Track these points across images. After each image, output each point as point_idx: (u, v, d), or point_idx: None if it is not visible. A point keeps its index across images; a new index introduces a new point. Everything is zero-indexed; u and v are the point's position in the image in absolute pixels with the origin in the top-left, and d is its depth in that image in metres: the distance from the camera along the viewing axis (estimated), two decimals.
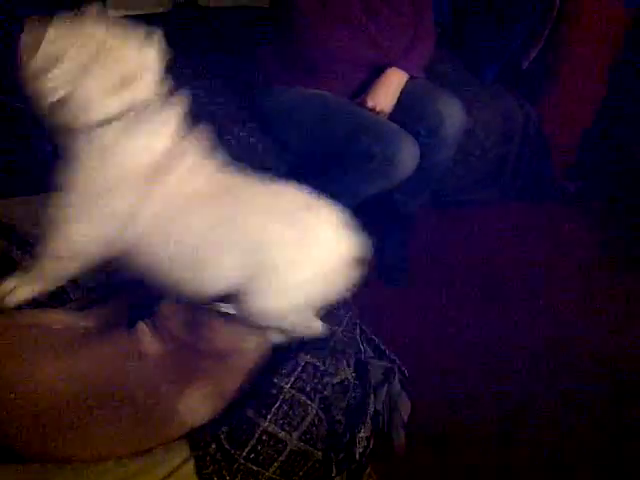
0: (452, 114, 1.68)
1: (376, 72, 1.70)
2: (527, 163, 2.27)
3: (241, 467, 1.06)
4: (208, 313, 1.15)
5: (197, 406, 1.10)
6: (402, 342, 1.59)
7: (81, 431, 1.06)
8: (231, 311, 1.15)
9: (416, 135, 1.64)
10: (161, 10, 2.15)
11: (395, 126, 1.60)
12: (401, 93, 1.70)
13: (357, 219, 1.87)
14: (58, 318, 1.21)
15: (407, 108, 1.70)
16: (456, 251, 2.05)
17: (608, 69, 2.20)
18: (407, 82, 1.71)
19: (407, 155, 1.56)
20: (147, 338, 1.14)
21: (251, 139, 1.82)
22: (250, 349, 1.17)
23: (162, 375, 1.10)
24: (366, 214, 1.86)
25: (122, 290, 1.37)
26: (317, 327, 1.19)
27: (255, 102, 1.81)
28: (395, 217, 1.92)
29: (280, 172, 1.84)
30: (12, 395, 1.06)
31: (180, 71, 1.85)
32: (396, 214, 1.91)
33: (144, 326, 1.17)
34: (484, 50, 2.16)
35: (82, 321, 1.23)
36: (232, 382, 1.14)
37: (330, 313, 1.27)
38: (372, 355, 1.47)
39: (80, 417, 1.06)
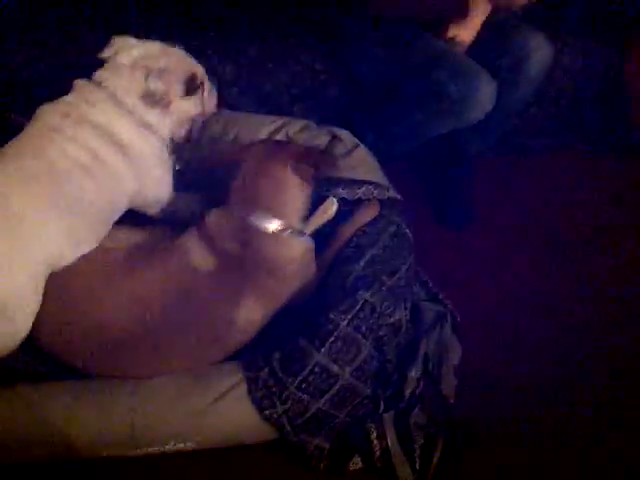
0: (538, 49, 1.56)
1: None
2: (603, 109, 2.14)
3: (291, 395, 1.08)
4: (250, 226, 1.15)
5: (253, 315, 1.13)
6: (456, 287, 1.58)
7: (142, 349, 1.09)
8: (273, 227, 1.15)
9: (496, 70, 1.55)
10: None
11: (473, 63, 1.50)
12: (483, 25, 1.59)
13: (416, 156, 1.86)
14: (113, 236, 1.23)
15: (489, 41, 1.60)
16: (521, 198, 1.97)
17: None
18: (490, 14, 1.60)
19: (483, 96, 1.47)
20: (196, 252, 1.15)
21: (316, 65, 1.76)
22: (296, 256, 1.18)
23: (217, 288, 1.12)
24: (425, 152, 1.84)
25: None
26: None
27: (332, 22, 1.71)
28: (457, 157, 1.85)
29: (342, 103, 1.78)
30: (78, 314, 1.10)
31: None
32: (458, 153, 1.83)
33: (190, 239, 1.17)
34: None
35: (134, 237, 1.25)
36: (282, 290, 1.16)
37: (395, 252, 1.26)
38: (425, 298, 1.47)
39: (143, 334, 1.09)
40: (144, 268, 1.14)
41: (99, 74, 1.23)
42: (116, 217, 1.24)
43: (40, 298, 1.10)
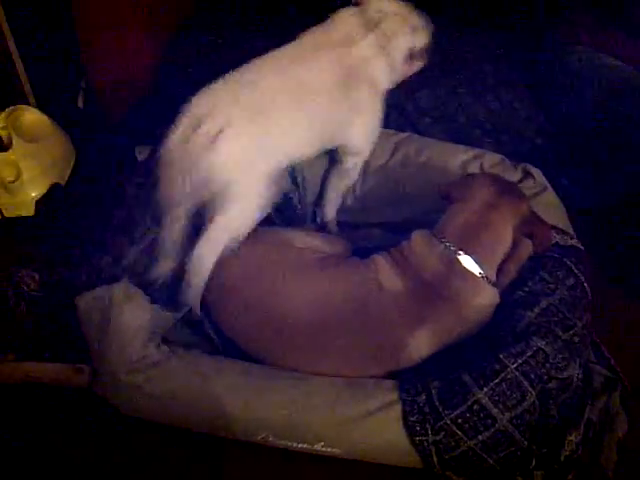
0: None
1: None
2: None
3: (445, 426, 1.07)
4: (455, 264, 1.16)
5: (423, 346, 1.13)
6: (628, 357, 1.46)
7: (313, 347, 1.15)
8: (476, 270, 1.15)
9: None
10: None
11: None
12: None
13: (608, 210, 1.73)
14: (304, 239, 1.31)
15: None
16: None
17: None
18: None
19: None
20: (385, 271, 1.19)
21: (515, 104, 1.73)
22: (484, 305, 1.17)
23: (399, 309, 1.14)
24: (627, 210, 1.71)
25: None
26: None
27: (542, 59, 1.66)
28: None
29: (537, 144, 1.73)
30: (261, 301, 1.17)
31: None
32: None
33: (381, 259, 1.21)
34: None
35: (321, 244, 1.32)
36: (460, 331, 1.15)
37: (572, 305, 1.20)
38: (595, 361, 1.37)
39: (315, 333, 1.14)
40: (335, 272, 1.20)
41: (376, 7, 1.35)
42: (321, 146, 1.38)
43: (266, 201, 1.24)
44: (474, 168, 1.53)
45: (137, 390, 1.15)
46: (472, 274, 1.14)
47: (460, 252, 1.15)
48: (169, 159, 1.21)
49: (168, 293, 1.29)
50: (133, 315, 1.19)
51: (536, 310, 1.20)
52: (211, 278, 1.25)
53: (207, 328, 1.27)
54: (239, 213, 1.22)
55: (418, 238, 1.20)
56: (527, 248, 1.26)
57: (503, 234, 1.16)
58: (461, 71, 1.77)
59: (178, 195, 1.21)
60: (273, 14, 1.88)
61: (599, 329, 1.39)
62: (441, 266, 1.15)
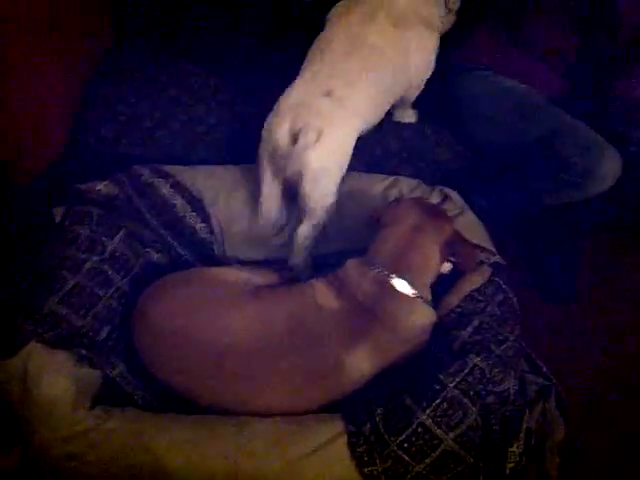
0: None
1: None
2: None
3: (392, 454, 1.06)
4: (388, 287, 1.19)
5: (363, 366, 1.14)
6: (558, 362, 1.52)
7: (255, 378, 1.13)
8: (409, 291, 1.19)
9: (626, 143, 1.53)
10: None
11: (599, 137, 1.47)
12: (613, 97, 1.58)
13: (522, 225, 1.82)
14: (235, 274, 1.30)
15: (619, 111, 1.58)
16: (630, 277, 1.90)
17: None
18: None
19: (608, 170, 1.44)
20: (322, 292, 1.21)
21: (426, 129, 1.80)
22: (421, 324, 1.21)
23: (336, 328, 1.16)
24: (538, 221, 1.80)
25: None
26: None
27: (445, 86, 1.74)
28: (570, 229, 1.80)
29: (452, 167, 1.80)
30: (198, 340, 1.15)
31: None
32: (572, 225, 1.79)
33: (318, 282, 1.24)
34: None
35: (255, 278, 1.31)
36: (399, 350, 1.17)
37: (503, 320, 1.24)
38: (528, 370, 1.42)
39: (258, 365, 1.13)
40: (271, 297, 1.21)
41: None
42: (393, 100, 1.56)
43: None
44: (394, 194, 1.56)
45: (73, 461, 1.09)
46: (405, 295, 1.18)
47: (392, 275, 1.19)
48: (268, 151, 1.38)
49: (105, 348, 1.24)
50: (53, 383, 1.12)
51: (469, 329, 1.23)
52: (142, 325, 1.22)
53: None
54: (330, 193, 1.41)
55: (351, 265, 1.23)
56: (472, 282, 1.32)
57: (431, 254, 1.22)
58: None
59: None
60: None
61: (525, 335, 1.46)
62: (374, 289, 1.18)
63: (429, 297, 1.23)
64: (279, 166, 1.39)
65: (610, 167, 1.45)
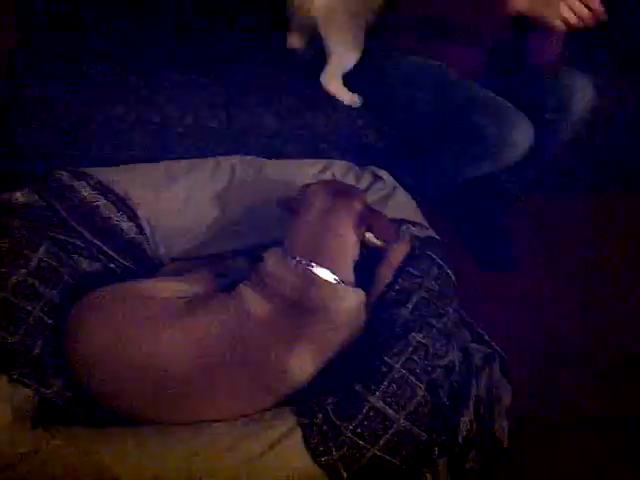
0: (582, 88, 1.58)
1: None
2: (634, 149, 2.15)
3: (347, 440, 1.07)
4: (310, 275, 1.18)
5: (306, 363, 1.13)
6: (499, 328, 1.56)
7: (199, 394, 1.10)
8: (330, 278, 1.18)
9: (540, 110, 1.58)
10: None
11: (511, 107, 1.51)
12: (530, 65, 1.63)
13: (457, 199, 1.87)
14: (165, 286, 1.26)
15: (535, 80, 1.63)
16: (559, 239, 1.97)
17: None
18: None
19: (521, 139, 1.48)
20: (251, 298, 1.18)
21: (351, 112, 1.79)
22: (351, 306, 1.20)
23: (271, 333, 1.14)
24: (466, 193, 1.84)
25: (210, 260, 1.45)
26: None
27: (366, 69, 1.75)
28: (495, 198, 1.85)
29: (380, 148, 1.80)
30: (134, 362, 1.11)
31: None
32: (497, 194, 1.84)
33: (244, 287, 1.21)
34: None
35: (186, 287, 1.27)
36: (336, 338, 1.17)
37: (440, 294, 1.26)
38: (470, 340, 1.45)
39: (198, 380, 1.09)
40: (203, 312, 1.16)
41: None
42: None
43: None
44: (327, 178, 1.56)
45: None
46: (328, 282, 1.18)
47: (312, 264, 1.18)
48: None
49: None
50: None
51: (409, 306, 1.24)
52: (72, 349, 1.17)
53: None
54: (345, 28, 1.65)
55: (270, 258, 1.22)
56: (399, 252, 1.31)
57: (346, 235, 1.22)
58: (299, 89, 1.81)
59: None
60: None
61: (465, 305, 1.49)
62: (298, 281, 1.17)
63: (352, 278, 1.22)
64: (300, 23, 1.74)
65: (522, 135, 1.49)
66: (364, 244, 1.26)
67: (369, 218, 1.24)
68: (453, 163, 1.62)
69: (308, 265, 1.18)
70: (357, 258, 1.25)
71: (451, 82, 1.61)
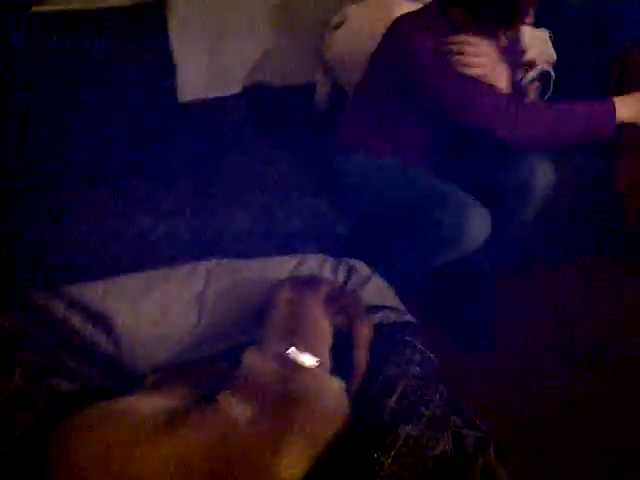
0: (541, 172, 1.66)
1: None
2: (599, 219, 2.22)
3: None
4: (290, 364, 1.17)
5: (294, 463, 1.08)
6: (489, 411, 1.54)
7: None
8: (311, 362, 1.18)
9: (503, 191, 1.63)
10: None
11: (465, 196, 1.57)
12: (489, 151, 1.70)
13: (432, 283, 1.89)
14: (144, 403, 1.23)
15: (494, 163, 1.70)
16: (535, 312, 1.99)
17: None
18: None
19: (477, 227, 1.53)
20: (232, 405, 1.14)
21: (322, 207, 1.85)
22: (333, 391, 1.18)
23: (257, 437, 1.09)
24: (441, 276, 1.87)
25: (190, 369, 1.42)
26: None
27: (330, 169, 1.83)
28: (472, 278, 1.89)
29: (351, 240, 1.84)
30: None
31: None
32: (473, 275, 1.87)
33: (224, 394, 1.17)
34: None
35: (165, 402, 1.24)
36: (323, 429, 1.13)
37: (425, 380, 1.24)
38: (462, 425, 1.42)
39: None
40: (186, 429, 1.12)
41: None
42: None
43: None
44: (304, 273, 1.57)
45: None
46: (311, 366, 1.17)
47: (291, 349, 1.17)
48: None
49: None
50: None
51: (395, 396, 1.23)
52: (56, 476, 1.11)
53: None
54: None
55: (248, 356, 1.21)
56: (365, 332, 1.31)
57: (318, 320, 1.23)
58: (271, 188, 1.87)
59: None
60: None
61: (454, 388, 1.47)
62: (279, 370, 1.16)
63: (329, 364, 1.22)
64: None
65: (478, 225, 1.54)
66: (336, 329, 1.27)
67: (338, 301, 1.27)
68: (416, 254, 1.68)
69: (287, 351, 1.17)
70: (331, 343, 1.24)
71: (408, 177, 1.68)
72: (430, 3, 1.62)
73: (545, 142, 1.51)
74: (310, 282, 1.31)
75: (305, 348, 1.19)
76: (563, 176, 1.98)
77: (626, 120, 1.45)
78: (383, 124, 1.68)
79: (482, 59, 1.46)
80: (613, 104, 1.39)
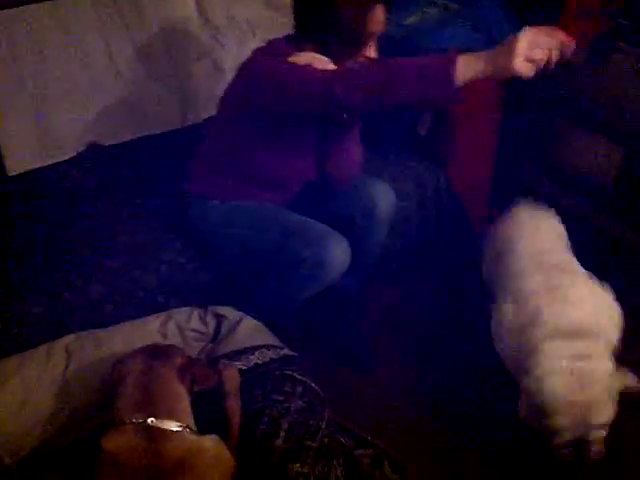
0: (382, 196, 1.75)
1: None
2: (446, 223, 2.35)
3: None
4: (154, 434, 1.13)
5: None
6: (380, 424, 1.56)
7: None
8: (174, 426, 1.14)
9: (353, 220, 1.71)
10: None
11: (323, 228, 1.60)
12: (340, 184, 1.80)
13: (305, 313, 1.91)
14: None
15: (345, 195, 1.78)
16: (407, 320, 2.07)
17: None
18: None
19: (336, 256, 1.56)
20: None
21: (180, 259, 1.80)
22: (208, 448, 1.15)
23: None
24: (314, 304, 1.89)
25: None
26: None
27: (187, 217, 1.79)
28: (341, 302, 1.93)
29: (210, 288, 1.81)
30: None
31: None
32: (342, 298, 1.92)
33: None
34: (382, 126, 2.25)
35: None
36: None
37: (310, 411, 1.24)
38: (354, 446, 1.43)
39: None
40: None
41: None
42: None
43: None
44: (171, 328, 1.55)
45: None
46: (176, 431, 1.13)
47: (150, 418, 1.13)
48: None
49: None
50: None
51: (282, 434, 1.21)
52: None
53: None
54: None
55: (109, 439, 1.13)
56: (232, 380, 1.32)
57: (174, 387, 1.20)
58: (123, 250, 1.79)
59: None
60: None
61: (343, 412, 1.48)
62: (144, 442, 1.10)
63: (194, 427, 1.19)
64: None
65: (336, 254, 1.58)
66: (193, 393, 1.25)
67: (190, 367, 1.26)
68: (284, 289, 1.68)
69: (145, 419, 1.12)
70: (189, 408, 1.21)
71: (266, 216, 1.70)
72: (284, 36, 1.64)
73: (381, 97, 1.42)
74: (163, 351, 1.28)
75: (166, 414, 1.14)
76: (405, 189, 2.13)
77: (469, 78, 1.31)
78: (237, 161, 1.67)
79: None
80: (454, 59, 1.33)
